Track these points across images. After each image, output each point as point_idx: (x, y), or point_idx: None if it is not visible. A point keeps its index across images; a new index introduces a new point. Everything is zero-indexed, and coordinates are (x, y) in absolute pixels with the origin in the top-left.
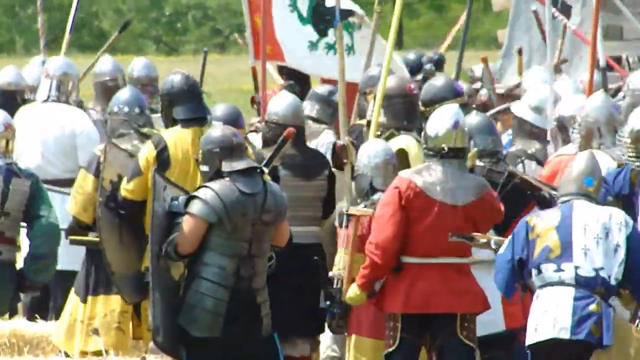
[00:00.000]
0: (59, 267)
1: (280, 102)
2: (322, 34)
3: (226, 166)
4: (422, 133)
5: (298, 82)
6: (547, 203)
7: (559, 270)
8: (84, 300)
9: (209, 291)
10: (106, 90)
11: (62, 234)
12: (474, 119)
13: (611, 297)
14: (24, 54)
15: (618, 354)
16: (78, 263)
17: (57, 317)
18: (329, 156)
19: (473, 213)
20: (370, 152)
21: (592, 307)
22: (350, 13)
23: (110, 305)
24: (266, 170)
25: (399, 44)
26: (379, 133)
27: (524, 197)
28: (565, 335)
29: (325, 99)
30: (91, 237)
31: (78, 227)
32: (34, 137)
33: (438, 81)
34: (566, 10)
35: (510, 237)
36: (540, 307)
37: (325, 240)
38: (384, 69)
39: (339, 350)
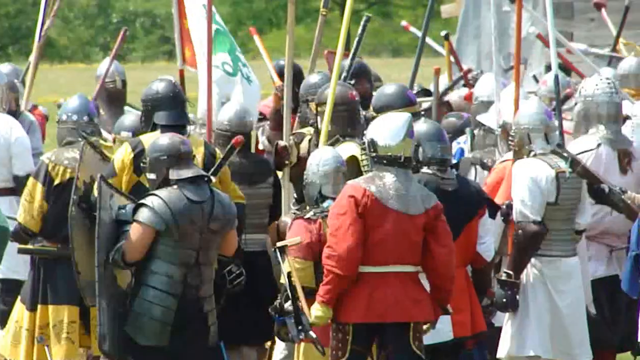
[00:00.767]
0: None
1: (228, 110)
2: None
3: (174, 174)
4: (366, 140)
5: (295, 83)
6: (604, 197)
7: None
8: (31, 309)
9: (157, 299)
10: (106, 92)
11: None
12: (422, 126)
13: None
14: None
15: None
16: (20, 272)
17: (3, 325)
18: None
19: (425, 222)
20: (320, 160)
21: None
22: None
23: (59, 315)
24: (214, 178)
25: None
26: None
27: (475, 203)
28: None
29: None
30: (38, 246)
31: (24, 234)
32: None
33: (389, 89)
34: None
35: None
36: None
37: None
38: (333, 77)
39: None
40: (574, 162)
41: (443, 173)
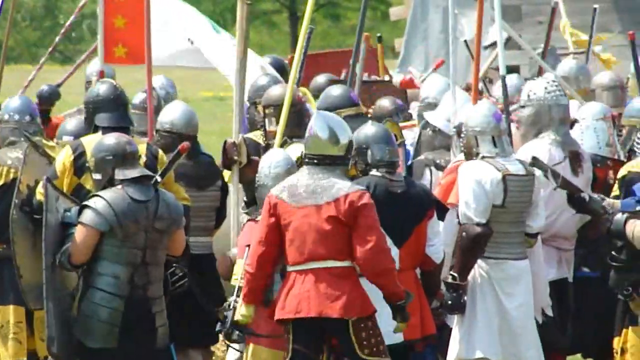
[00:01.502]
0: None
1: (173, 110)
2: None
3: (119, 174)
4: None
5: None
6: (585, 206)
7: None
8: None
9: (104, 301)
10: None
11: None
12: (370, 129)
13: None
14: None
15: None
16: None
17: None
18: None
19: (337, 211)
20: (272, 162)
21: None
22: None
23: (6, 316)
24: (160, 180)
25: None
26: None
27: (424, 205)
28: None
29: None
30: None
31: None
32: None
33: (335, 90)
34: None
35: None
36: None
37: (220, 247)
38: (290, 80)
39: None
40: (554, 175)
41: (392, 175)
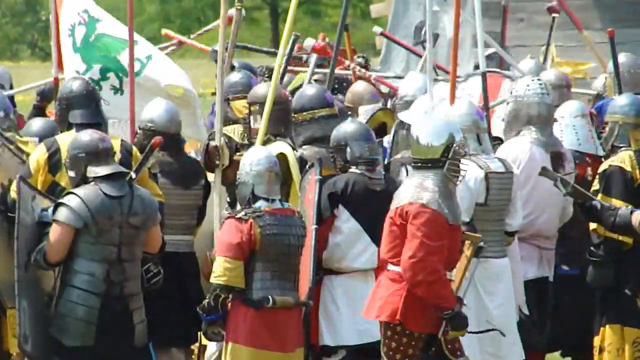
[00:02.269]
0: None
1: (155, 108)
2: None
3: (91, 171)
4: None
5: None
6: (597, 214)
7: None
8: None
9: (80, 299)
10: None
11: None
12: (350, 126)
13: None
14: None
15: None
16: None
17: None
18: None
19: None
20: (253, 160)
21: None
22: None
23: None
24: (135, 176)
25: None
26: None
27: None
28: None
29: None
30: None
31: None
32: None
33: (309, 90)
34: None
35: None
36: None
37: (201, 247)
38: (274, 78)
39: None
40: (564, 183)
41: (371, 173)
